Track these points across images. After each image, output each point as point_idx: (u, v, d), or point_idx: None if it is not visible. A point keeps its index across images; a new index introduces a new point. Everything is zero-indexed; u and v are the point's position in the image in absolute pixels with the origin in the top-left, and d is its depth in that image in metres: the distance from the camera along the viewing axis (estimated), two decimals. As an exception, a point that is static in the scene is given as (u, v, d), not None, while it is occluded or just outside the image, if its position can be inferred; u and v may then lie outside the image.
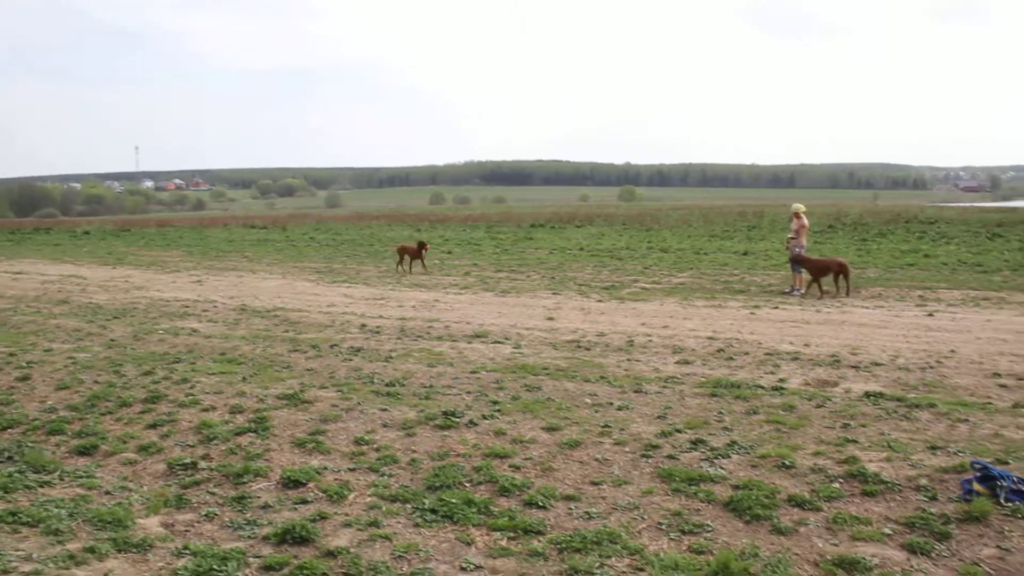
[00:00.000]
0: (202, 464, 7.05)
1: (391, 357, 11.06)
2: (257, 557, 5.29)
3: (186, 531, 5.74)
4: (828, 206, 61.71)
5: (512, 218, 51.83)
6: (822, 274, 17.13)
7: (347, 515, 5.95)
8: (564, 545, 5.33)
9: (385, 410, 8.36)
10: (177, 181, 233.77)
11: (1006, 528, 5.43)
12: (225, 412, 8.41)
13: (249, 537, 5.62)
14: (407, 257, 23.71)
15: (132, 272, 24.58)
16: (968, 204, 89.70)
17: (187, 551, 5.34)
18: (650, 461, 6.85)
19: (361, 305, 16.40)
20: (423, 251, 23.60)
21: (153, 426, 8.07)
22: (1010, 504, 5.68)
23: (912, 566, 4.99)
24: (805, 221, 18.41)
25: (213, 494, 6.44)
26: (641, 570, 5.00)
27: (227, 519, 5.95)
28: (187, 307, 16.39)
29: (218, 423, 8.04)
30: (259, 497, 6.33)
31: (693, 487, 6.26)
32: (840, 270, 17.12)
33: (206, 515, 6.01)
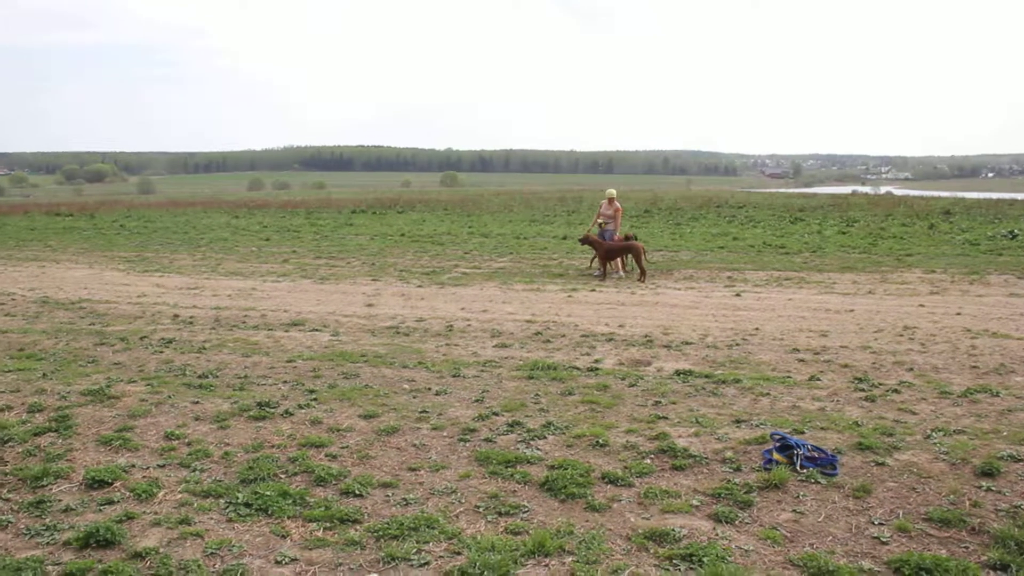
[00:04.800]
0: (-5, 468, 6.59)
1: (204, 348, 10.70)
2: (57, 564, 4.97)
3: (-25, 542, 5.35)
4: (645, 191, 63.98)
5: (332, 204, 51.05)
6: (610, 257, 17.69)
7: (156, 514, 5.69)
8: (381, 533, 5.29)
9: (197, 403, 8.08)
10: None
11: (801, 493, 5.83)
12: (23, 412, 7.89)
13: (48, 544, 5.28)
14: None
15: (-82, 264, 22.67)
16: (773, 190, 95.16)
17: (-25, 563, 4.98)
18: (467, 445, 6.91)
19: (174, 295, 15.76)
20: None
21: (-62, 430, 7.46)
22: (805, 471, 6.14)
23: (718, 534, 5.24)
24: (619, 206, 18.96)
25: (7, 500, 6.00)
26: (458, 554, 5.02)
27: (23, 526, 5.55)
28: (-20, 301, 15.29)
29: (14, 423, 7.52)
30: (60, 500, 5.98)
31: (510, 469, 6.35)
32: (630, 252, 17.64)
33: (-1, 523, 5.62)
